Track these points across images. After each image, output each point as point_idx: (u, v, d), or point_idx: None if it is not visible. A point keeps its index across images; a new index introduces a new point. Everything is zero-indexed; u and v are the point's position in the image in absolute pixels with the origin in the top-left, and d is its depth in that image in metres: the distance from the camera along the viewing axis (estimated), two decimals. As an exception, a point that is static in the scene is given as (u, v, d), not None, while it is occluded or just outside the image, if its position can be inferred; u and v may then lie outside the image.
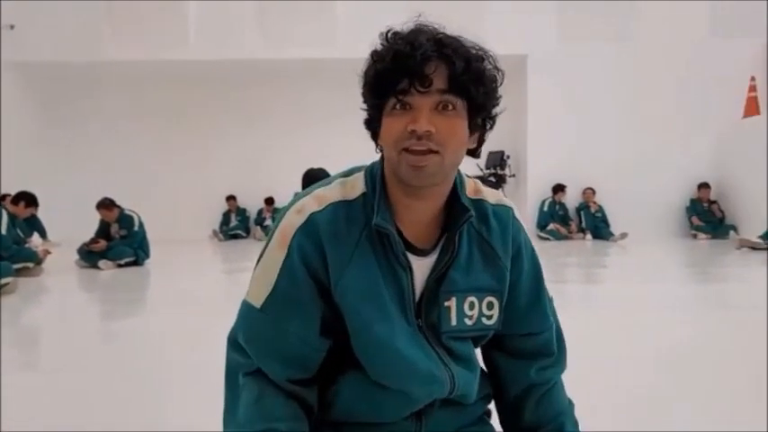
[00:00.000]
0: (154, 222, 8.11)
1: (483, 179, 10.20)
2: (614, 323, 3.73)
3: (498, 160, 10.36)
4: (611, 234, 9.73)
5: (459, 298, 1.11)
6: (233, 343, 1.13)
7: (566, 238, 9.98)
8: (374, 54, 1.02)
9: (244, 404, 1.07)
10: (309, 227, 1.05)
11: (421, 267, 1.10)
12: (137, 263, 7.11)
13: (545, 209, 10.23)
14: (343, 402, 1.14)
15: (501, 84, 1.04)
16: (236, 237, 11.35)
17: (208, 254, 9.18)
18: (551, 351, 1.23)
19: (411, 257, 1.09)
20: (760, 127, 9.43)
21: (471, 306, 1.13)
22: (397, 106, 0.99)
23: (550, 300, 1.25)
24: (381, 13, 10.64)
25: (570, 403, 1.28)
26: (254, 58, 10.50)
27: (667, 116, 10.13)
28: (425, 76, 0.96)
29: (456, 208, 1.10)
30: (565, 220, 10.27)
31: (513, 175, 10.57)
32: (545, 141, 10.34)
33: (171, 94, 11.49)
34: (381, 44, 1.02)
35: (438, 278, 1.10)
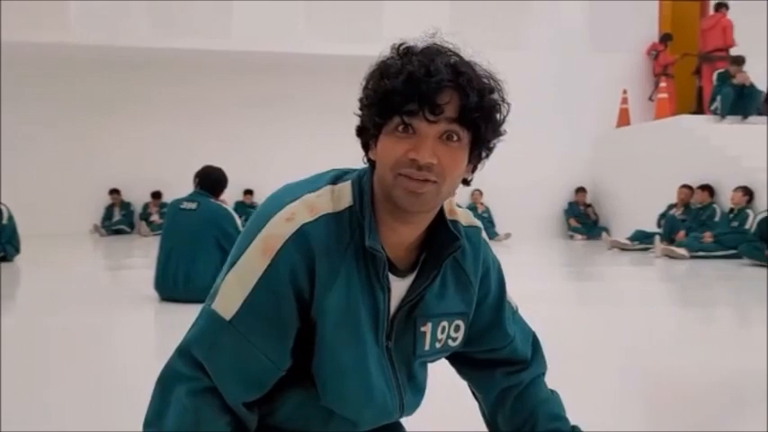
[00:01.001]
0: (28, 215, 7.56)
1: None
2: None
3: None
4: (497, 234, 10.17)
5: (434, 323, 1.11)
6: (184, 354, 1.01)
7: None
8: (383, 67, 0.96)
9: (175, 424, 0.98)
10: (301, 240, 0.97)
11: (397, 288, 1.06)
12: (5, 258, 6.60)
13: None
14: (281, 418, 1.09)
15: (507, 116, 1.00)
16: (119, 232, 10.81)
17: (86, 249, 8.67)
18: (519, 359, 1.24)
19: (390, 278, 1.05)
20: (630, 136, 10.21)
21: (443, 330, 1.13)
22: (400, 128, 0.95)
23: (515, 311, 1.26)
24: (277, 8, 10.49)
25: (552, 393, 1.27)
26: (142, 46, 10.04)
27: (550, 123, 10.70)
28: (437, 106, 0.92)
29: (442, 234, 1.06)
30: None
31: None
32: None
33: (54, 80, 10.72)
34: (392, 58, 0.96)
35: (415, 302, 1.08)
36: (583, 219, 10.67)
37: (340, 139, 12.26)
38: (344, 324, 1.02)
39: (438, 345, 1.13)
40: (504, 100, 0.99)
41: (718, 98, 9.09)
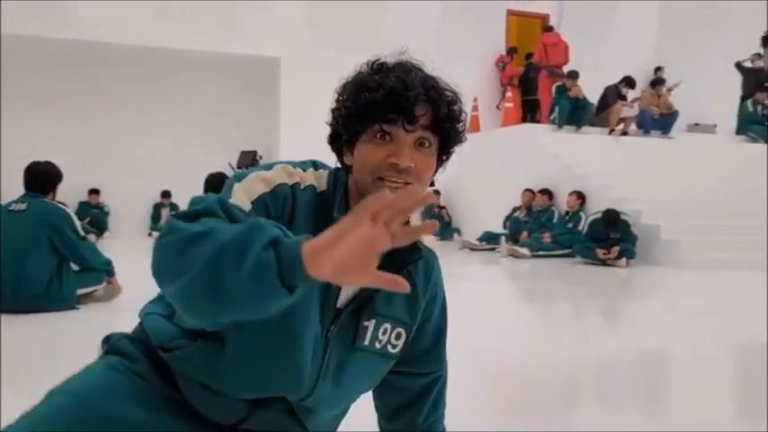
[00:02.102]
0: None
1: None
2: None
3: (250, 160, 10.30)
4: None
5: (378, 321, 1.17)
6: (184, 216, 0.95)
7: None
8: (361, 81, 1.07)
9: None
10: (294, 191, 1.09)
11: None
12: None
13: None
14: (227, 364, 1.08)
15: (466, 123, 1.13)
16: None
17: None
18: (430, 395, 1.32)
19: None
20: (480, 142, 10.79)
21: (384, 332, 1.18)
22: (379, 135, 1.05)
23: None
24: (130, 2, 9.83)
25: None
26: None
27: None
28: (415, 116, 1.04)
29: (408, 247, 1.11)
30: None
31: (265, 176, 10.62)
32: (298, 142, 10.55)
33: None
34: (369, 73, 1.08)
35: (366, 297, 1.14)
36: (437, 220, 11.12)
37: (197, 135, 11.85)
38: None
39: (378, 345, 1.18)
40: (462, 110, 1.12)
41: (557, 109, 9.88)
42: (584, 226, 7.73)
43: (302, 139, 10.45)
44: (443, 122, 1.08)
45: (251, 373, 1.08)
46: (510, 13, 12.22)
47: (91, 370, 1.12)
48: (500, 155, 9.99)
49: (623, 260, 6.95)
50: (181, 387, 1.13)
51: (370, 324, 1.16)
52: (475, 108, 11.34)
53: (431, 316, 1.28)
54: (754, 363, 3.15)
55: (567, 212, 8.34)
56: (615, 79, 10.48)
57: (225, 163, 10.06)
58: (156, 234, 10.98)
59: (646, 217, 7.36)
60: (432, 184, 1.16)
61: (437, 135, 1.08)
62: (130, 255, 7.44)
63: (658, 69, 11.72)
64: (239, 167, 10.26)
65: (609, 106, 10.29)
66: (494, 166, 10.12)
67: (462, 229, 10.67)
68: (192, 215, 0.94)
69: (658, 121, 10.12)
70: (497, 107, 11.48)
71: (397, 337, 1.20)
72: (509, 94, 11.21)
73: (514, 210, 9.19)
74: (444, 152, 1.13)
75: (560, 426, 2.14)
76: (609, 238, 7.11)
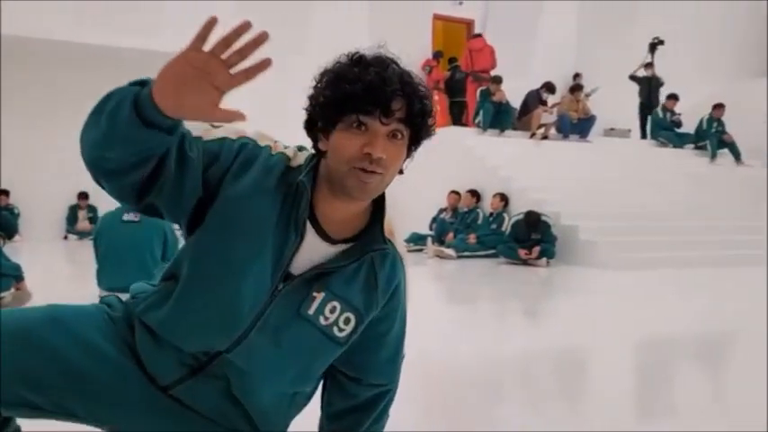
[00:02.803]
0: None
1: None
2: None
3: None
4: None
5: (327, 296, 1.20)
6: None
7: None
8: (341, 72, 1.13)
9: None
10: (261, 147, 1.19)
11: (316, 249, 1.18)
12: None
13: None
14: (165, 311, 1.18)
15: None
16: None
17: None
18: (377, 407, 1.34)
19: (313, 235, 1.18)
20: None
21: (332, 310, 1.20)
22: (355, 125, 1.10)
23: (403, 357, 1.38)
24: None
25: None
26: None
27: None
28: (391, 110, 1.10)
29: (375, 234, 1.22)
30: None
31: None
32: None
33: None
34: (348, 65, 1.13)
35: (323, 272, 1.18)
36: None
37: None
38: (246, 220, 1.14)
39: (323, 322, 1.20)
40: (432, 105, 1.18)
41: (481, 113, 10.12)
42: (507, 227, 7.94)
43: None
44: (417, 117, 1.14)
45: (189, 308, 1.15)
46: (436, 17, 12.42)
47: (74, 304, 1.24)
48: (426, 157, 9.91)
49: (544, 260, 7.19)
50: (135, 336, 1.21)
51: (319, 296, 1.19)
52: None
53: (392, 326, 1.32)
54: (661, 358, 3.33)
55: (492, 214, 8.55)
56: (537, 85, 10.83)
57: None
58: (72, 237, 10.56)
59: (565, 218, 7.64)
60: (400, 172, 1.22)
61: (409, 128, 1.14)
62: (43, 258, 7.08)
63: (576, 76, 12.20)
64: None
65: (530, 111, 10.62)
66: (420, 168, 10.14)
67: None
68: None
69: (577, 125, 10.53)
70: (424, 110, 11.64)
71: (346, 321, 1.22)
72: (436, 97, 11.36)
73: (440, 211, 9.34)
74: (414, 144, 1.19)
75: (486, 425, 2.19)
76: (530, 239, 7.34)
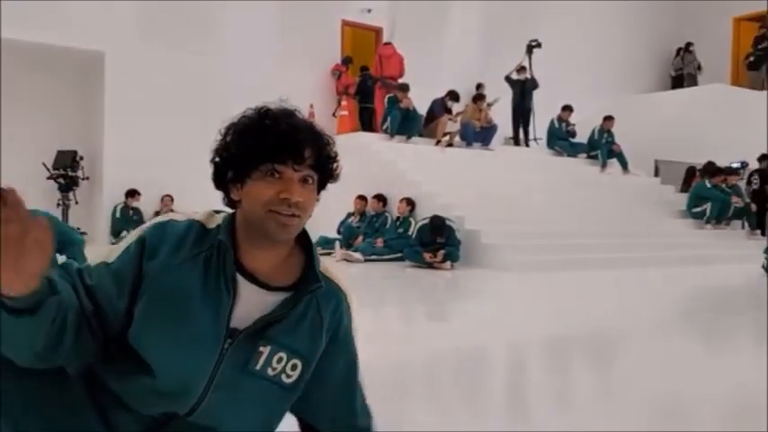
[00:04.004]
0: None
1: (53, 180, 9.26)
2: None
3: (69, 161, 9.52)
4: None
5: (272, 349, 1.23)
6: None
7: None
8: (252, 126, 1.21)
9: None
10: (161, 225, 1.23)
11: (255, 300, 1.22)
12: None
13: (117, 215, 9.88)
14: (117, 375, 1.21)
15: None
16: None
17: None
18: None
19: (248, 288, 1.22)
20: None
21: (279, 360, 1.24)
22: (269, 174, 1.18)
23: (364, 399, 1.41)
24: None
25: None
26: None
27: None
28: (303, 158, 1.19)
29: (309, 275, 1.27)
30: (140, 224, 10.06)
31: (87, 178, 9.87)
32: (124, 143, 9.98)
33: None
34: (256, 118, 1.21)
35: (267, 323, 1.22)
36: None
37: (5, 132, 10.69)
38: (170, 299, 1.17)
39: (271, 372, 1.23)
40: (336, 152, 1.28)
41: (389, 119, 10.31)
42: (413, 231, 8.14)
43: (129, 141, 9.95)
44: (324, 162, 1.25)
45: (143, 386, 1.18)
46: (345, 24, 12.52)
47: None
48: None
49: (448, 263, 7.42)
50: (97, 385, 1.22)
51: (266, 350, 1.22)
52: (311, 115, 11.37)
53: (333, 363, 1.33)
54: (558, 357, 3.55)
55: (398, 218, 8.73)
56: (442, 93, 11.16)
57: (39, 163, 9.25)
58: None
59: (468, 223, 7.93)
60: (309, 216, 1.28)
61: (318, 173, 1.24)
62: None
63: (479, 86, 12.65)
64: (56, 169, 9.46)
65: (436, 118, 10.93)
66: (329, 173, 10.28)
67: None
68: None
69: (479, 134, 10.93)
70: (333, 115, 11.70)
71: (293, 368, 1.25)
72: (344, 102, 11.48)
73: (348, 215, 9.42)
74: (322, 187, 1.28)
75: (391, 426, 2.27)
76: (435, 243, 7.56)
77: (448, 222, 7.69)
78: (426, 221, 7.79)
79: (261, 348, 1.22)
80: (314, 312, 1.28)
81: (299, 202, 1.19)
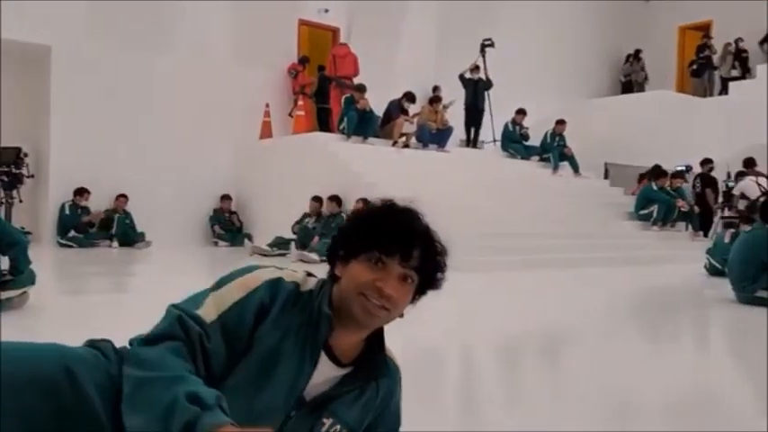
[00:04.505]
0: None
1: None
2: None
3: (13, 157, 9.18)
4: (138, 241, 9.75)
5: (334, 422, 1.29)
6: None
7: (90, 245, 9.54)
8: (375, 215, 1.28)
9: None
10: (275, 286, 1.25)
11: (326, 373, 1.28)
12: None
13: (66, 212, 9.62)
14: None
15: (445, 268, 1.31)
16: None
17: None
18: None
19: (325, 361, 1.27)
20: (271, 148, 10.86)
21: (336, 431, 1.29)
22: (374, 261, 1.23)
23: None
24: None
25: None
26: None
27: (196, 131, 10.70)
28: (411, 258, 1.24)
29: (378, 362, 1.34)
30: (93, 225, 9.81)
31: (32, 176, 9.55)
32: (71, 140, 9.71)
33: None
34: (382, 212, 1.28)
35: (332, 396, 1.28)
36: (227, 226, 10.92)
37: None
38: (262, 365, 1.21)
39: None
40: (446, 262, 1.31)
41: (345, 120, 10.31)
42: (369, 232, 8.13)
43: (76, 138, 9.69)
44: (429, 268, 1.28)
45: None
46: (302, 23, 12.46)
47: (75, 349, 1.22)
48: (292, 161, 10.14)
49: (404, 264, 7.45)
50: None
51: (328, 422, 1.29)
52: (267, 114, 11.37)
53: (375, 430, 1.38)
54: (511, 355, 3.62)
55: (355, 219, 8.71)
56: (399, 94, 11.22)
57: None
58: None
59: (424, 223, 7.98)
60: (401, 316, 1.31)
61: (420, 276, 1.27)
62: None
63: (436, 88, 12.77)
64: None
65: (392, 119, 10.98)
66: (285, 173, 10.23)
67: (254, 234, 10.62)
68: (153, 339, 1.16)
69: (435, 135, 11.03)
70: (290, 114, 11.63)
71: None
72: (301, 102, 11.42)
73: (304, 216, 9.38)
74: (420, 293, 1.31)
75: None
76: (391, 244, 7.57)
77: (403, 223, 7.72)
78: (382, 222, 7.80)
79: (324, 420, 1.28)
80: (372, 392, 1.34)
81: (392, 297, 1.22)
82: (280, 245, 8.97)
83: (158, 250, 9.41)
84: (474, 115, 12.26)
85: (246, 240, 10.39)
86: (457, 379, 3.03)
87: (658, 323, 4.81)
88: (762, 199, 8.24)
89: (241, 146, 11.20)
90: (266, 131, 11.32)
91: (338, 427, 1.30)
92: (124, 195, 10.05)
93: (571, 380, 3.09)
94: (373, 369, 1.34)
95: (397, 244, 1.24)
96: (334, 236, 1.34)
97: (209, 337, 1.18)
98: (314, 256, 8.11)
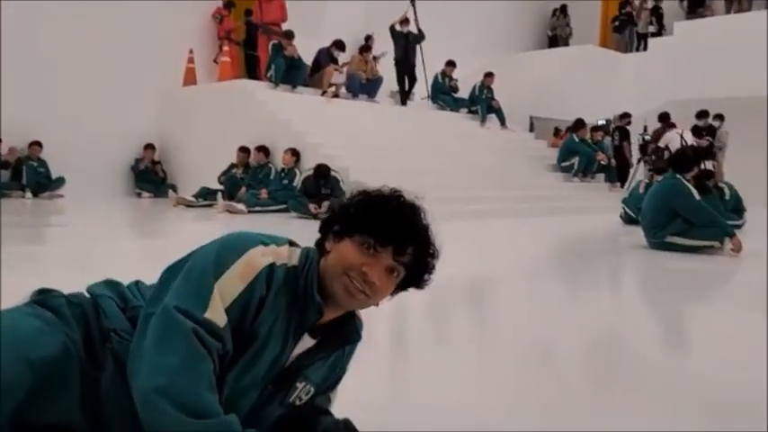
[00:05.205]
0: None
1: None
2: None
3: None
4: (51, 190, 9.35)
5: (305, 385, 1.34)
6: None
7: (2, 195, 9.04)
8: (380, 201, 1.27)
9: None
10: (271, 273, 1.22)
11: (303, 345, 1.30)
12: None
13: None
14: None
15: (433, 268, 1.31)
16: None
17: None
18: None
19: (305, 336, 1.29)
20: (195, 96, 10.48)
21: (307, 393, 1.35)
22: (366, 245, 1.22)
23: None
24: None
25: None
26: None
27: (116, 77, 10.16)
28: (403, 252, 1.24)
29: (350, 329, 1.35)
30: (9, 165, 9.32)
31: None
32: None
33: None
34: (389, 201, 1.27)
35: (307, 363, 1.31)
36: (150, 176, 10.56)
37: None
38: (253, 342, 1.22)
39: (297, 402, 1.34)
40: (435, 265, 1.31)
41: (273, 67, 10.05)
42: (298, 182, 8.10)
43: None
44: (418, 266, 1.28)
45: None
46: (228, -36, 11.92)
47: (20, 318, 1.18)
48: (217, 110, 9.85)
49: (333, 214, 7.47)
50: (106, 370, 1.21)
51: (300, 385, 1.33)
52: (190, 60, 10.93)
53: (334, 380, 1.44)
54: (437, 302, 3.73)
55: (283, 169, 8.63)
56: (328, 43, 11.00)
57: None
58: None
59: (353, 174, 7.99)
60: (376, 305, 1.31)
61: (406, 272, 1.27)
62: None
63: (368, 38, 12.57)
64: None
65: (322, 68, 10.79)
66: (210, 121, 9.94)
67: (179, 185, 10.33)
68: (172, 352, 1.11)
69: (365, 86, 10.94)
70: (215, 61, 11.21)
71: (307, 393, 1.37)
72: (226, 48, 11.02)
73: (231, 166, 9.19)
74: (402, 288, 1.31)
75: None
76: (320, 194, 7.57)
77: (333, 173, 7.72)
78: (311, 172, 7.77)
79: (297, 384, 1.32)
80: (340, 353, 1.39)
81: (374, 285, 1.23)
82: (206, 195, 8.79)
83: (79, 202, 9.01)
84: (406, 70, 12.08)
85: (171, 191, 10.10)
86: (388, 320, 3.11)
87: (577, 269, 5.05)
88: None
89: (164, 93, 10.76)
90: (190, 78, 10.90)
91: (309, 387, 1.36)
92: (38, 143, 9.52)
93: (493, 323, 3.23)
94: (346, 336, 1.37)
95: (394, 236, 1.24)
96: (332, 208, 1.35)
97: (224, 344, 1.17)
98: (241, 206, 8.00)
